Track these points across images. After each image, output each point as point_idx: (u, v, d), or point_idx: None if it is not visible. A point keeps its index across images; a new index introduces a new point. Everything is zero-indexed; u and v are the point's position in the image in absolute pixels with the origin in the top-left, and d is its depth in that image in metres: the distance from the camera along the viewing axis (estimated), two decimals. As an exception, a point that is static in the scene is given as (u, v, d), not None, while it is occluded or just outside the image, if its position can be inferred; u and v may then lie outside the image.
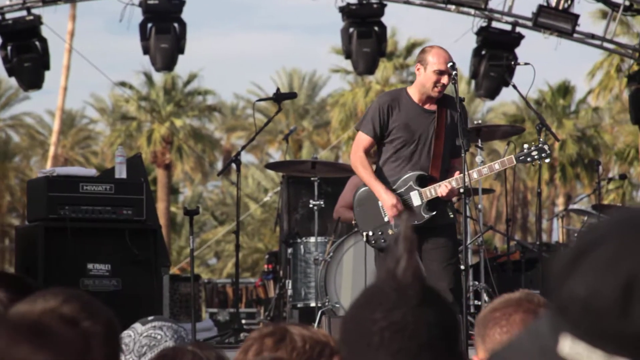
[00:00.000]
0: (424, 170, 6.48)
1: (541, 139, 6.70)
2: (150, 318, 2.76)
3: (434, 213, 6.43)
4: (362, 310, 1.47)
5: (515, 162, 6.52)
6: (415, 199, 6.48)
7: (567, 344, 1.12)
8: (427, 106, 6.53)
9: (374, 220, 6.56)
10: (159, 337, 2.68)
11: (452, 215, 6.60)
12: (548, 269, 1.20)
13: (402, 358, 1.45)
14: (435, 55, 6.45)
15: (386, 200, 6.42)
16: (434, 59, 6.44)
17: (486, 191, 10.75)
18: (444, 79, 6.42)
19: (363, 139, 6.56)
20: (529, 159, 6.57)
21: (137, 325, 2.75)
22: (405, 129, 6.47)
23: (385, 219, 6.52)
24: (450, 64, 6.43)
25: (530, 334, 1.16)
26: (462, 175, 6.31)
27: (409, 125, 6.48)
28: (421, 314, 1.44)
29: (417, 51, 36.87)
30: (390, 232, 6.51)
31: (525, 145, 6.60)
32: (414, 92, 6.55)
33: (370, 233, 6.55)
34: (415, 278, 1.45)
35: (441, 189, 6.38)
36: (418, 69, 6.53)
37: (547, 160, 6.64)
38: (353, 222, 6.90)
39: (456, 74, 6.46)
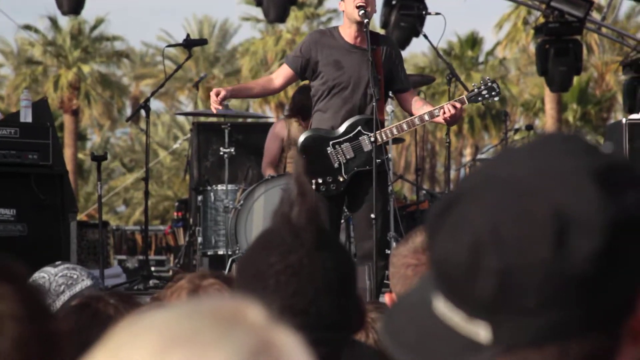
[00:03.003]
0: (362, 110, 6.38)
1: (487, 78, 6.64)
2: (58, 262, 2.73)
3: (387, 157, 6.34)
4: (258, 254, 1.46)
5: (467, 102, 6.45)
6: (365, 144, 6.40)
7: (440, 302, 1.09)
8: (358, 42, 6.41)
9: (322, 167, 6.42)
10: (75, 276, 2.65)
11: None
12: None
13: (298, 301, 1.45)
14: None
15: (213, 94, 6.37)
16: None
17: (395, 141, 10.82)
18: None
19: (283, 69, 6.52)
20: (479, 98, 6.52)
21: (48, 269, 2.71)
22: (335, 67, 6.37)
23: (335, 165, 6.41)
24: None
25: (420, 286, 1.14)
26: (448, 105, 6.24)
27: (340, 63, 6.38)
28: (317, 257, 1.43)
29: (328, 1, 36.88)
30: (340, 178, 6.40)
31: (474, 84, 6.55)
32: (343, 29, 6.46)
33: (320, 180, 6.39)
34: (310, 221, 1.44)
35: (444, 110, 6.22)
36: (340, 5, 6.44)
37: (496, 99, 6.54)
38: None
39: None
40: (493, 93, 6.52)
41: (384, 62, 6.43)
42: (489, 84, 6.53)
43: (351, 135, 6.40)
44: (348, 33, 6.43)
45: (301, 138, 6.53)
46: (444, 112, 6.24)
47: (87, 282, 2.68)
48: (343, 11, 6.44)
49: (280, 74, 6.53)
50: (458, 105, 6.28)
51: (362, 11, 6.27)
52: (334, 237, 1.54)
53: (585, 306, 1.04)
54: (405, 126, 6.38)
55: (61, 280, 2.68)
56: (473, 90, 6.52)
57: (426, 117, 6.34)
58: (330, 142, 6.44)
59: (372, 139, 6.28)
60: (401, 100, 6.55)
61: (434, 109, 6.33)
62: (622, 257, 1.04)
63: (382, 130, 6.30)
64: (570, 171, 1.06)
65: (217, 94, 6.37)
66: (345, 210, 7.44)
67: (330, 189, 6.41)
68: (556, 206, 1.04)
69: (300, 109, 8.17)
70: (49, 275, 2.69)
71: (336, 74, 6.36)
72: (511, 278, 1.03)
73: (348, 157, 6.43)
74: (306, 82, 6.80)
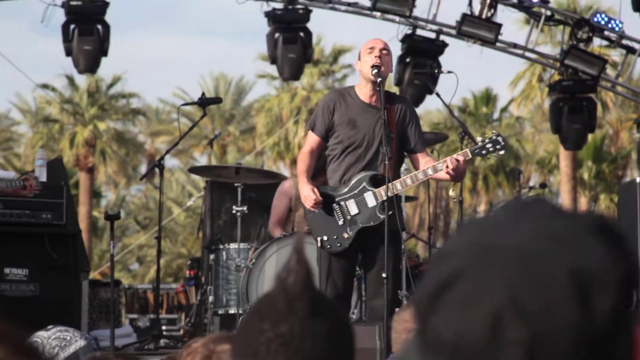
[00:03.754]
0: (375, 169, 6.38)
1: (494, 132, 6.63)
2: (50, 327, 2.71)
3: (390, 213, 6.26)
4: (252, 320, 1.45)
5: (470, 155, 6.43)
6: (370, 200, 6.37)
7: None
8: (373, 101, 6.44)
9: (327, 224, 6.41)
10: (68, 337, 2.64)
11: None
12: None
13: None
14: (367, 42, 6.48)
15: (302, 190, 6.35)
16: (366, 44, 6.46)
17: (409, 199, 10.81)
18: (376, 52, 6.36)
19: (311, 138, 6.53)
20: (483, 152, 6.50)
21: (41, 333, 2.70)
22: (350, 125, 6.39)
23: (340, 223, 6.38)
24: (385, 50, 6.40)
25: None
26: (451, 158, 6.24)
27: (355, 122, 6.39)
28: (309, 326, 1.41)
29: (343, 58, 37.06)
30: (345, 235, 6.36)
31: (479, 139, 6.53)
32: (359, 88, 6.50)
33: (325, 238, 6.38)
34: (305, 289, 1.41)
35: (447, 163, 6.22)
36: (357, 65, 6.52)
37: (501, 152, 6.53)
38: (305, 229, 6.72)
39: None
40: (498, 147, 6.50)
41: (398, 121, 6.45)
42: (494, 137, 6.52)
43: (356, 191, 6.39)
44: (364, 92, 6.47)
45: None
46: (447, 166, 6.22)
47: (81, 343, 2.67)
48: (360, 70, 6.48)
49: (315, 147, 6.53)
50: (460, 158, 6.27)
51: (376, 70, 6.33)
52: (331, 305, 1.47)
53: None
54: (409, 181, 6.34)
55: (54, 343, 2.66)
56: (477, 144, 6.50)
57: (430, 172, 6.32)
58: (336, 199, 6.44)
59: (380, 196, 6.30)
60: (413, 160, 6.55)
61: (437, 163, 6.31)
62: (630, 308, 1.07)
63: (383, 187, 6.29)
64: (568, 231, 1.07)
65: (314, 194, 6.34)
66: (358, 269, 7.38)
67: (335, 247, 6.39)
68: (570, 267, 1.04)
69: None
70: (41, 339, 2.67)
71: (351, 132, 6.39)
72: (540, 345, 1.03)
73: (353, 213, 6.40)
74: None
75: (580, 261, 1.04)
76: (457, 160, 6.23)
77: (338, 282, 6.33)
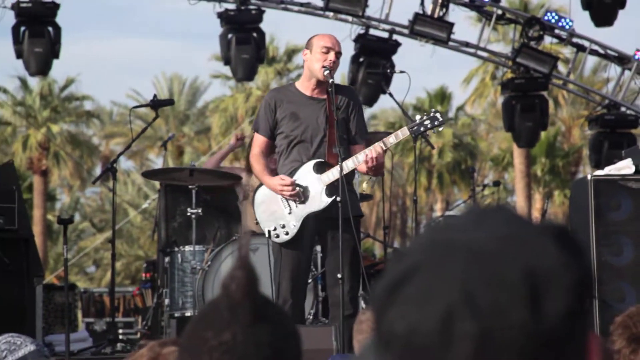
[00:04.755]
0: (321, 158, 6.35)
1: (433, 109, 6.59)
2: (5, 334, 2.71)
3: (334, 198, 6.20)
4: (196, 328, 1.43)
5: (408, 132, 6.37)
6: (315, 186, 6.35)
7: None
8: (315, 94, 6.42)
9: (274, 214, 6.41)
10: (18, 342, 2.64)
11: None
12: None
13: None
14: (321, 36, 6.42)
15: (274, 185, 6.33)
16: (320, 39, 6.40)
17: (364, 197, 10.80)
18: (331, 56, 6.32)
19: (257, 139, 6.51)
20: (422, 129, 6.42)
21: None
22: (292, 119, 6.36)
23: (286, 211, 6.37)
24: (338, 49, 6.38)
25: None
26: (375, 146, 6.20)
27: (297, 115, 6.37)
28: (252, 333, 1.39)
29: (297, 57, 37.06)
30: (292, 224, 6.35)
31: (417, 116, 6.48)
32: (301, 83, 6.48)
33: (272, 227, 6.39)
34: (247, 296, 1.39)
35: (363, 155, 6.18)
36: (305, 55, 6.45)
37: (440, 129, 6.48)
38: (255, 223, 6.65)
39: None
40: (436, 123, 6.43)
41: (342, 112, 6.39)
42: (432, 114, 6.47)
43: (301, 179, 6.37)
44: (306, 86, 6.46)
45: (255, 193, 6.54)
46: (366, 156, 6.19)
47: (31, 348, 2.68)
48: (306, 62, 6.42)
49: (256, 144, 6.52)
50: (379, 149, 6.20)
51: (328, 71, 6.30)
52: (275, 310, 1.45)
53: None
54: (350, 163, 6.26)
55: (4, 347, 2.68)
56: (415, 122, 6.43)
57: (359, 159, 6.25)
58: None
59: (325, 181, 6.30)
60: (351, 152, 6.43)
61: (360, 153, 6.27)
62: (583, 312, 1.08)
63: (327, 171, 6.28)
64: (530, 235, 1.08)
65: (285, 180, 6.32)
66: (314, 269, 7.40)
67: (282, 235, 6.37)
68: (525, 268, 1.05)
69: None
70: None
71: (294, 125, 6.37)
72: (489, 341, 1.03)
73: (298, 202, 6.38)
74: None
75: (534, 262, 1.05)
76: (376, 151, 6.17)
77: (292, 271, 6.30)
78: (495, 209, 1.13)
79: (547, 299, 1.05)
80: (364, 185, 8.57)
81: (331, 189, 6.27)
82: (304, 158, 6.37)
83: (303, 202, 6.36)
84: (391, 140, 6.32)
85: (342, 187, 6.16)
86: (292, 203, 6.38)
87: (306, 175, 6.36)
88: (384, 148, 6.26)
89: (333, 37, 6.46)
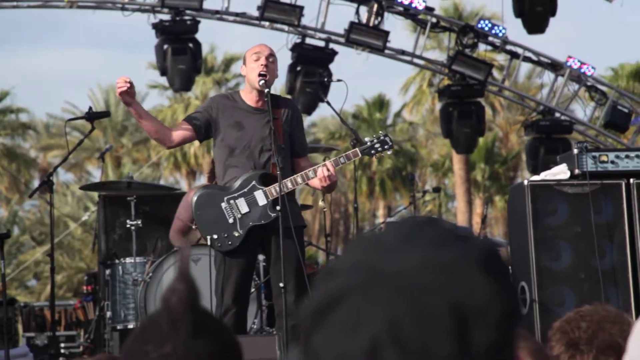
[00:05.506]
0: (265, 169, 6.37)
1: (382, 132, 6.75)
2: None
3: (279, 210, 6.19)
4: (136, 342, 1.43)
5: (360, 154, 6.49)
6: (260, 198, 6.35)
7: None
8: (259, 105, 6.46)
9: (216, 223, 6.37)
10: None
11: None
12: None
13: None
14: (251, 47, 6.51)
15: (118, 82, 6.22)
16: (250, 50, 6.49)
17: (304, 207, 10.84)
18: (262, 60, 6.37)
19: (182, 125, 6.47)
20: (372, 151, 6.57)
21: None
22: (236, 128, 6.39)
23: (230, 221, 6.35)
24: (271, 57, 6.44)
25: None
26: (328, 164, 6.27)
27: (241, 124, 6.40)
28: (193, 346, 1.39)
29: (235, 65, 37.02)
30: (235, 233, 6.32)
31: (367, 139, 6.60)
32: (245, 93, 6.53)
33: (215, 236, 6.34)
34: (188, 308, 1.40)
35: (321, 171, 6.24)
36: (242, 70, 6.55)
37: (389, 152, 6.67)
38: (193, 227, 6.66)
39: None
40: (386, 146, 6.61)
41: (284, 124, 6.46)
42: (382, 137, 6.63)
43: (245, 190, 6.37)
44: (249, 97, 6.50)
45: (195, 195, 6.48)
46: (319, 174, 6.26)
47: None
48: (245, 76, 6.51)
49: (181, 131, 6.47)
50: (331, 167, 6.28)
51: (263, 81, 6.35)
52: (216, 323, 1.46)
53: None
54: (289, 184, 6.32)
55: None
56: (366, 144, 6.57)
57: (309, 175, 6.32)
58: (225, 198, 6.39)
59: (271, 194, 6.32)
60: (294, 165, 6.50)
61: (310, 170, 6.34)
62: (510, 342, 1.07)
63: (273, 185, 6.30)
64: (455, 262, 1.07)
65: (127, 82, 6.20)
66: (256, 278, 7.40)
67: (225, 245, 6.33)
68: (451, 300, 1.04)
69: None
70: None
71: (237, 134, 6.38)
72: None
73: (243, 212, 6.37)
74: None
75: (462, 296, 1.04)
76: (328, 170, 6.26)
77: (235, 280, 6.28)
78: (425, 225, 1.11)
79: (474, 333, 1.04)
80: (321, 203, 8.66)
81: (275, 200, 6.29)
82: (247, 167, 6.38)
83: (248, 212, 6.36)
84: (342, 160, 6.43)
85: (281, 199, 6.20)
86: (235, 212, 6.37)
87: (251, 184, 6.37)
88: (335, 167, 6.36)
89: (262, 44, 6.53)
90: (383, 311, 1.04)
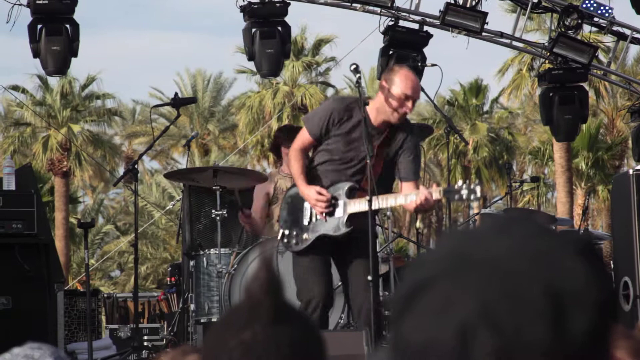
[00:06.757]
0: (358, 184, 6.30)
1: (475, 181, 6.43)
2: (28, 344, 2.60)
3: (351, 228, 6.20)
4: (218, 330, 1.44)
5: (440, 195, 6.25)
6: (339, 210, 6.30)
7: None
8: (378, 124, 6.30)
9: (293, 220, 6.41)
10: (37, 355, 2.55)
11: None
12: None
13: None
14: (405, 79, 6.24)
15: (308, 195, 6.26)
16: (404, 84, 6.22)
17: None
18: (409, 104, 6.21)
19: (305, 137, 6.43)
20: (456, 196, 6.28)
21: (15, 349, 2.58)
22: (347, 143, 6.28)
23: (305, 222, 6.35)
24: (413, 91, 6.25)
25: None
26: (425, 193, 6.10)
27: (353, 142, 6.28)
28: (272, 333, 1.40)
29: (324, 48, 36.63)
30: (305, 236, 6.31)
31: (460, 182, 6.30)
32: (371, 109, 6.32)
33: (287, 232, 6.39)
34: (267, 295, 1.40)
35: (420, 196, 6.08)
36: (383, 86, 6.29)
37: (474, 204, 6.43)
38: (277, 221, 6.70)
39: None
40: (472, 197, 6.24)
41: (390, 148, 6.34)
42: (473, 187, 6.26)
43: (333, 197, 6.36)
44: (374, 116, 6.31)
45: (292, 187, 6.54)
46: (418, 201, 6.10)
47: None
48: (382, 95, 6.29)
49: (301, 140, 6.43)
50: (431, 198, 6.10)
51: (399, 119, 6.26)
52: (296, 312, 1.45)
53: None
54: (391, 201, 6.23)
55: None
56: (453, 187, 6.29)
57: (401, 200, 6.20)
58: None
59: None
60: (400, 189, 6.43)
61: (410, 194, 6.20)
62: (606, 333, 1.07)
63: (357, 200, 6.23)
64: (549, 249, 1.08)
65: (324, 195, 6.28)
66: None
67: (291, 245, 6.37)
68: (545, 284, 1.05)
69: (278, 147, 8.25)
70: (10, 356, 2.57)
71: (345, 148, 6.35)
72: (509, 358, 1.03)
73: (319, 218, 6.34)
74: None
75: (556, 280, 1.06)
76: (429, 198, 6.10)
77: (319, 273, 6.26)
78: (519, 220, 1.13)
79: (570, 319, 1.05)
80: (418, 223, 8.70)
81: (352, 219, 6.24)
82: (342, 177, 6.33)
83: (323, 220, 6.33)
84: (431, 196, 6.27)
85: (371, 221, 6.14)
86: (313, 216, 6.36)
87: (336, 194, 6.32)
88: (395, 204, 6.30)
89: (415, 82, 6.29)
90: (473, 295, 1.05)
